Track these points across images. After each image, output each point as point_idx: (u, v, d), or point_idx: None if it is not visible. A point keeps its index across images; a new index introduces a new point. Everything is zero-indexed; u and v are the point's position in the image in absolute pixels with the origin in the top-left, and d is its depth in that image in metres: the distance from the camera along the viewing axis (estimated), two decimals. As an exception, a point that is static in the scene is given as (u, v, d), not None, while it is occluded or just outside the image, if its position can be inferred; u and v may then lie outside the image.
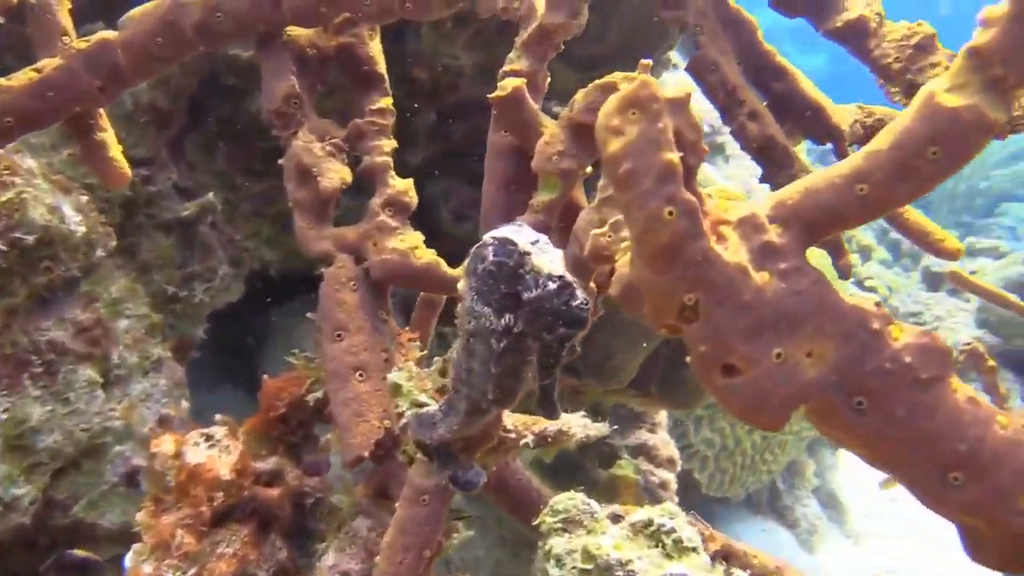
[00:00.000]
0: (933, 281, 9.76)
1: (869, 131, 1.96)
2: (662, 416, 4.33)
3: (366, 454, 1.40)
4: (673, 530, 1.35)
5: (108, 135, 1.71)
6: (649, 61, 1.01)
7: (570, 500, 1.50)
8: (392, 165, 1.57)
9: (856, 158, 0.82)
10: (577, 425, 1.82)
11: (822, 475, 6.83)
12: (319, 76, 1.67)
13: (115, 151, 1.72)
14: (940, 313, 9.12)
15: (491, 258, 0.93)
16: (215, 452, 1.42)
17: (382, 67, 1.65)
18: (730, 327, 0.84)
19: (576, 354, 0.98)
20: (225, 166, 2.97)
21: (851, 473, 7.06)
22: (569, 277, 0.90)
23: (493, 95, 1.27)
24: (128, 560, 1.42)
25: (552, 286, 0.88)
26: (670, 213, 0.81)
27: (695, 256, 0.83)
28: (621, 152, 0.81)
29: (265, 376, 1.59)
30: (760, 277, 0.85)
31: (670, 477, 4.22)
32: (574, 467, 3.62)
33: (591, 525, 1.44)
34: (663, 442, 4.42)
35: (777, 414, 0.87)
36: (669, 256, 0.83)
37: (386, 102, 1.59)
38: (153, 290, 2.50)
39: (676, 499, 3.84)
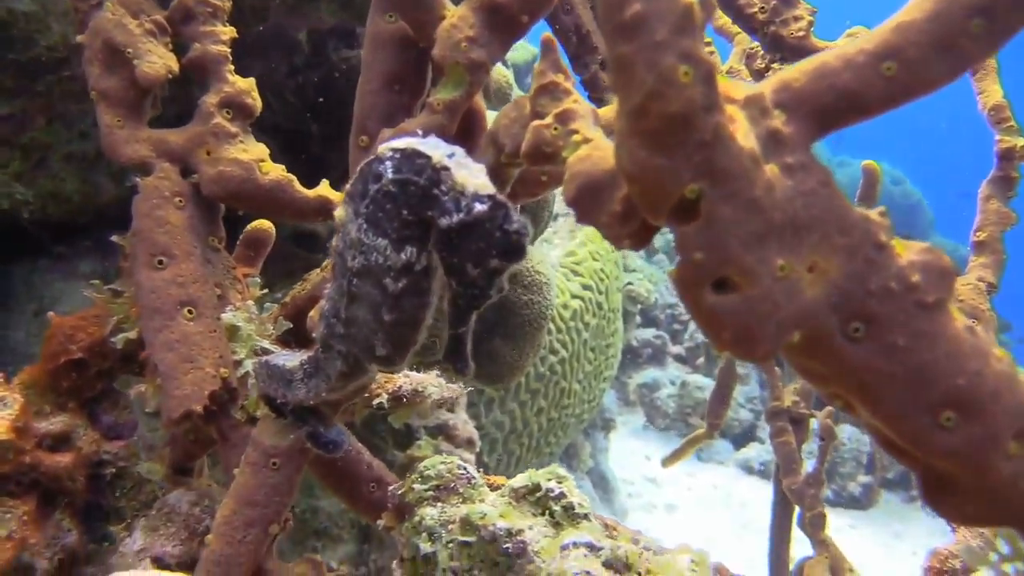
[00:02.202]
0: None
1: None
2: (462, 396, 4.24)
3: (198, 408, 1.12)
4: (562, 495, 1.20)
5: None
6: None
7: (443, 464, 1.31)
8: (230, 58, 1.28)
9: (883, 31, 0.71)
10: (432, 385, 1.63)
11: (595, 456, 7.10)
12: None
13: None
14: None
15: (390, 175, 0.74)
16: (-16, 405, 1.07)
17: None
18: (734, 230, 0.70)
19: (504, 292, 0.80)
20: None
21: (619, 455, 7.43)
22: (501, 196, 0.72)
23: (387, -33, 1.05)
24: None
25: (481, 208, 0.71)
26: (685, 74, 0.65)
27: (707, 134, 0.67)
28: (629, -10, 0.64)
29: (51, 313, 1.23)
30: (770, 171, 0.71)
31: (470, 458, 4.14)
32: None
33: (468, 492, 1.26)
34: (463, 422, 4.32)
35: (771, 343, 0.73)
36: (678, 130, 0.66)
37: (224, -20, 1.29)
38: None
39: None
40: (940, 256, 0.76)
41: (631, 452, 7.79)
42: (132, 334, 1.18)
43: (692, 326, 9.27)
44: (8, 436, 1.05)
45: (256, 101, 1.28)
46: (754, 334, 0.73)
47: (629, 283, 8.62)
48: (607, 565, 1.04)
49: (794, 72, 0.74)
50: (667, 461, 4.03)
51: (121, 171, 2.87)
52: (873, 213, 0.75)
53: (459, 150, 0.76)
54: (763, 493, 6.87)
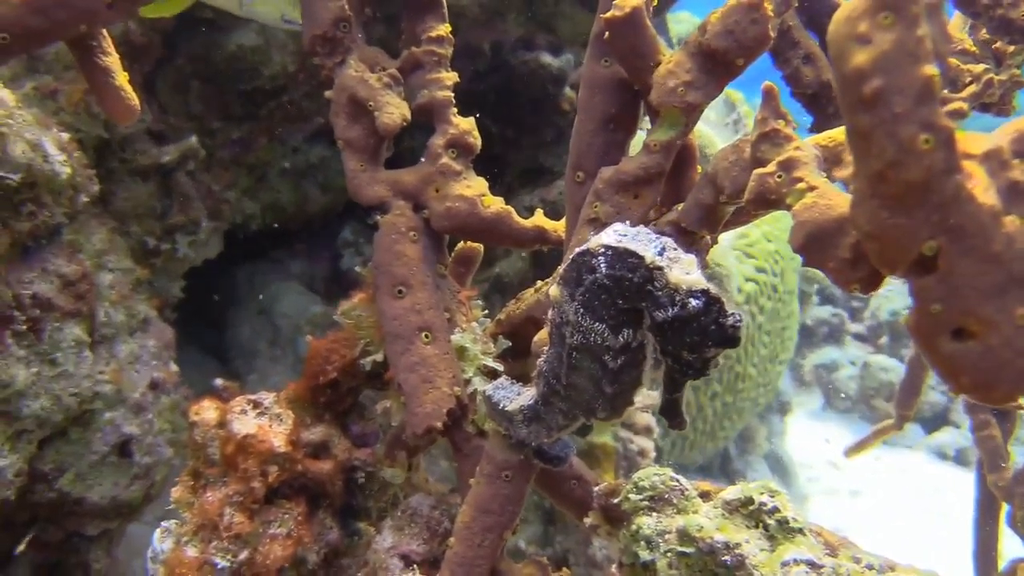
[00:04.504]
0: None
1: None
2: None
3: (438, 424, 1.25)
4: (776, 509, 1.24)
5: (114, 60, 1.49)
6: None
7: (657, 476, 1.38)
8: (454, 101, 1.40)
9: None
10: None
11: (771, 440, 6.94)
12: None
13: (122, 79, 1.49)
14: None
15: (604, 271, 0.81)
16: (265, 421, 1.25)
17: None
18: (973, 282, 0.72)
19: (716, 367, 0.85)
20: (201, 109, 2.72)
21: (796, 439, 7.22)
22: (714, 290, 0.77)
23: (607, 14, 1.11)
24: (157, 540, 1.24)
25: (696, 304, 0.76)
26: (926, 142, 0.69)
27: (947, 195, 0.70)
28: (869, 65, 0.68)
29: (309, 337, 1.41)
30: (1010, 223, 0.73)
31: (648, 445, 4.20)
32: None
33: (681, 503, 1.32)
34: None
35: (1012, 388, 0.76)
36: (919, 194, 0.70)
37: (444, 29, 1.40)
38: (131, 243, 2.26)
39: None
40: None
41: (809, 435, 7.55)
42: (379, 356, 1.34)
43: (874, 303, 8.82)
44: (286, 448, 1.23)
45: (476, 140, 1.40)
46: (994, 379, 0.76)
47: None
48: (830, 584, 1.07)
49: (1032, 121, 0.75)
50: (851, 452, 3.89)
51: (326, 181, 3.13)
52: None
53: (668, 242, 0.80)
54: (959, 480, 6.48)
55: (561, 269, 0.86)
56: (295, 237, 3.40)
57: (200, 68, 2.68)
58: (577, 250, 0.83)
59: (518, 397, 1.10)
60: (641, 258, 0.78)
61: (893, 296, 8.75)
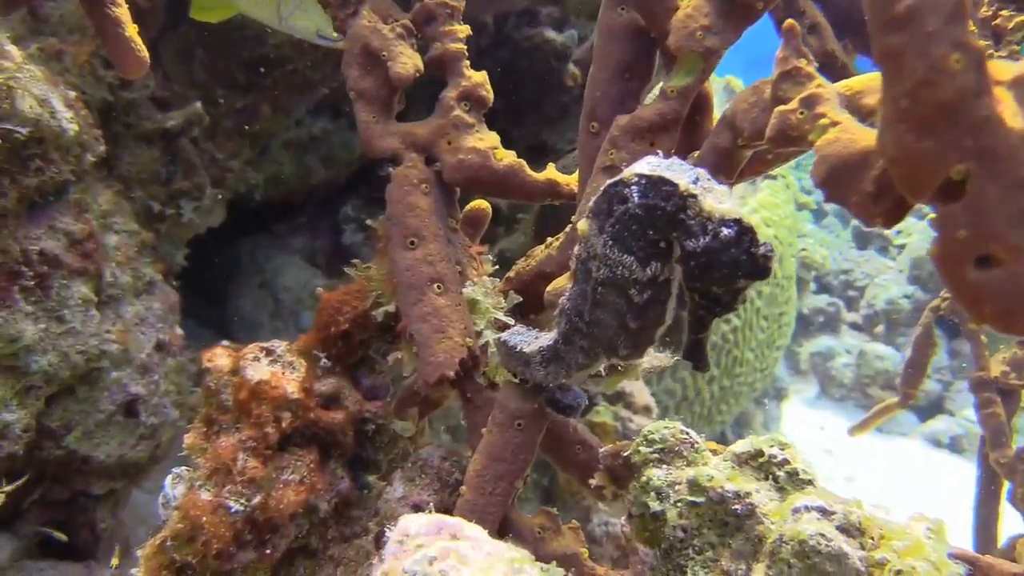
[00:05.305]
0: (862, 239, 10.05)
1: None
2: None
3: (451, 373, 1.25)
4: (786, 461, 1.24)
5: (123, 11, 1.48)
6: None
7: (667, 428, 1.39)
8: (466, 54, 1.40)
9: None
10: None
11: (767, 426, 6.97)
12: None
13: (132, 31, 1.49)
14: (870, 271, 9.41)
15: (636, 200, 0.80)
16: (278, 368, 1.25)
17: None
18: (1001, 208, 0.73)
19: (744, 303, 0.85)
20: (205, 77, 2.71)
21: (792, 426, 7.25)
22: (747, 219, 0.76)
23: (626, -39, 1.11)
24: (169, 486, 1.25)
25: (728, 232, 0.75)
26: (957, 61, 0.69)
27: (977, 117, 0.70)
28: (901, -14, 0.68)
29: (319, 289, 1.41)
30: (1037, 149, 0.73)
31: (648, 424, 4.22)
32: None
33: (691, 456, 1.33)
34: (639, 389, 4.42)
35: (1033, 314, 0.76)
36: (948, 115, 0.70)
37: (457, -18, 1.41)
38: (136, 207, 2.26)
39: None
40: None
41: (805, 422, 7.59)
42: (391, 307, 1.34)
43: (869, 292, 8.85)
44: (299, 395, 1.23)
45: (489, 93, 1.39)
46: (1018, 308, 0.76)
47: (803, 249, 8.34)
48: (841, 530, 1.08)
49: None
50: (855, 430, 3.90)
51: (329, 155, 3.12)
52: None
53: (702, 172, 0.80)
54: (954, 468, 6.52)
55: (591, 203, 0.86)
56: (297, 211, 3.40)
57: (204, 36, 2.67)
58: (609, 181, 0.83)
59: (535, 340, 1.10)
60: (675, 186, 0.77)
61: (890, 285, 8.78)
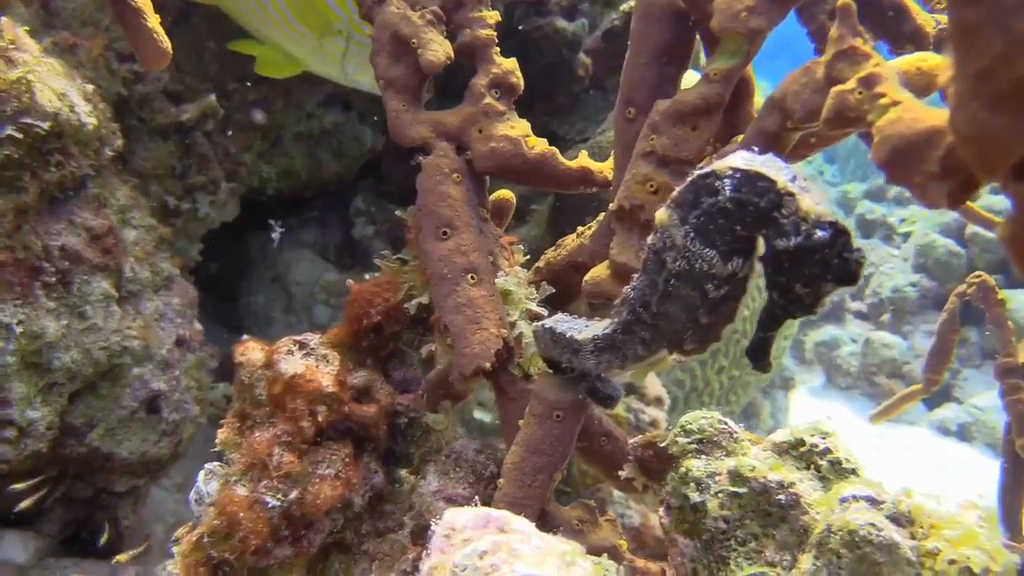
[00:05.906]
0: (867, 228, 10.03)
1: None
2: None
3: (487, 365, 1.24)
4: (828, 451, 1.23)
5: (145, 1, 1.45)
6: None
7: (704, 419, 1.37)
8: (496, 40, 1.37)
9: None
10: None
11: (775, 416, 6.96)
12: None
13: (154, 21, 1.46)
14: (875, 259, 9.39)
15: (728, 193, 0.77)
16: (312, 361, 1.23)
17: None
18: (1078, 186, 0.71)
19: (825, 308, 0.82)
20: (217, 70, 2.68)
21: (799, 415, 7.24)
22: (843, 222, 0.74)
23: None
24: (202, 482, 1.23)
25: (823, 235, 0.73)
26: (1036, 38, 0.67)
27: (1056, 95, 0.68)
28: (977, -42, 0.66)
29: (350, 281, 1.39)
30: (1114, 126, 0.71)
31: (660, 415, 4.20)
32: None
33: (731, 446, 1.31)
34: (651, 380, 4.41)
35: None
36: (1025, 93, 0.68)
37: (486, -32, 1.38)
38: (152, 202, 2.23)
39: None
40: None
41: (811, 411, 7.58)
42: (424, 299, 1.32)
43: (875, 281, 8.83)
44: (335, 389, 1.21)
45: (519, 79, 1.37)
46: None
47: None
48: (891, 519, 1.06)
49: None
50: (876, 417, 3.87)
51: (340, 148, 3.10)
52: None
53: (798, 170, 0.78)
54: (963, 456, 6.51)
55: (674, 193, 0.83)
56: (308, 205, 3.37)
57: (216, 28, 2.64)
58: (699, 171, 0.80)
59: (587, 328, 1.08)
60: (772, 182, 0.75)
61: (895, 273, 8.76)
